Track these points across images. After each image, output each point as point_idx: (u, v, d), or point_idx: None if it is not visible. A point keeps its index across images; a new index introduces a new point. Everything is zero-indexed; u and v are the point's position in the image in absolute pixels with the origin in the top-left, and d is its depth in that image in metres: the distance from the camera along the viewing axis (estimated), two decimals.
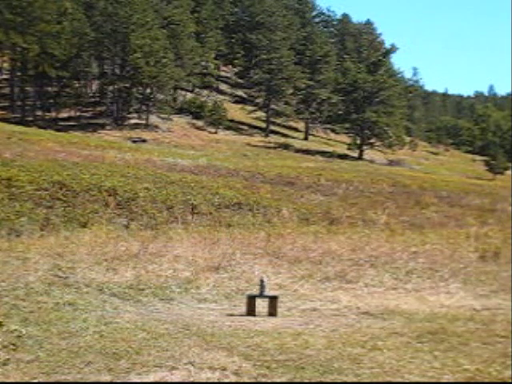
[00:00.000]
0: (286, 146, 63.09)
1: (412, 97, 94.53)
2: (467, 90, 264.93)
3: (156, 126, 61.20)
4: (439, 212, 29.07)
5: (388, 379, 5.97)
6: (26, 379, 5.68)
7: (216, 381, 5.81)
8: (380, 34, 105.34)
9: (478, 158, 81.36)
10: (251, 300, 9.04)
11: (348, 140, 68.62)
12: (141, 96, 64.31)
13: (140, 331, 7.59)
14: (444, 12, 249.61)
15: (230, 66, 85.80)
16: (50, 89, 60.66)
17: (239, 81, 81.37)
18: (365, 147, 66.54)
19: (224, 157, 44.19)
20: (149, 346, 6.87)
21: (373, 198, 31.18)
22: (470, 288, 11.10)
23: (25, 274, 10.85)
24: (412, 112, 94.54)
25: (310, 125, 73.64)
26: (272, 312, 8.95)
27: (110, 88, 63.34)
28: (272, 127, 70.48)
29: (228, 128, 66.36)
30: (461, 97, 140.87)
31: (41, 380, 5.71)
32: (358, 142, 66.91)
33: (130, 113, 63.18)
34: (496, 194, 36.33)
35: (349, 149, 65.89)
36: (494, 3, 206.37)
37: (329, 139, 74.36)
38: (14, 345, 6.26)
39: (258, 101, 74.52)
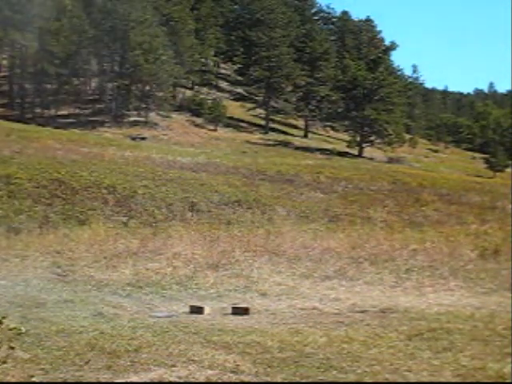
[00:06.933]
0: (285, 144, 63.04)
1: (412, 94, 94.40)
2: (467, 88, 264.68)
3: (155, 124, 61.12)
4: (439, 210, 29.08)
5: (387, 377, 5.96)
6: (25, 377, 5.66)
7: (215, 379, 5.80)
8: (380, 31, 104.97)
9: (477, 155, 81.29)
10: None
11: (348, 137, 68.52)
12: (140, 93, 64.22)
13: (139, 329, 7.57)
14: (444, 9, 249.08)
15: (230, 64, 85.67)
16: (49, 86, 60.52)
17: (239, 78, 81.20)
18: (364, 145, 66.47)
19: (223, 154, 44.14)
20: (148, 344, 6.86)
21: (372, 195, 31.17)
22: (470, 286, 11.08)
23: (24, 272, 10.84)
24: (412, 109, 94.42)
25: (310, 122, 73.55)
26: None
27: (110, 85, 63.24)
28: (271, 125, 70.40)
29: (227, 125, 66.28)
30: (461, 94, 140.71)
31: (40, 378, 5.69)
32: (358, 139, 66.84)
33: (129, 110, 63.08)
34: (496, 192, 36.31)
35: (348, 146, 65.82)
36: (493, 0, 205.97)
37: (328, 136, 74.30)
38: (12, 342, 6.23)
39: (257, 98, 74.42)
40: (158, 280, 10.84)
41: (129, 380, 5.70)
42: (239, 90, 79.35)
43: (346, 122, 70.45)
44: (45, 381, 5.66)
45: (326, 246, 13.54)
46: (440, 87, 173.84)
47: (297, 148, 61.75)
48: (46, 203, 20.67)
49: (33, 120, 54.39)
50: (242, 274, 11.42)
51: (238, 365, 6.13)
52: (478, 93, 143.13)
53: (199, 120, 65.58)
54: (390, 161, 61.65)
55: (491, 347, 7.00)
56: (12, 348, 5.97)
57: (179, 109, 66.84)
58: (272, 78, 71.51)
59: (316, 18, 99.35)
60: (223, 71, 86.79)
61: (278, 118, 73.61)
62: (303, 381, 5.80)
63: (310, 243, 13.89)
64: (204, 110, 65.71)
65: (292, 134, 70.05)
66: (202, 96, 71.27)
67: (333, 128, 75.19)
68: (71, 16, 60.20)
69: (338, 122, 72.45)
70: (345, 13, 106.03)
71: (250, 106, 72.14)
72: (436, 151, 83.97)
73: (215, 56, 79.59)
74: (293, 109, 73.75)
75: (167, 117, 63.48)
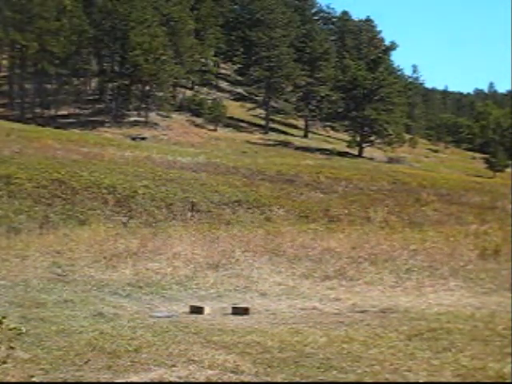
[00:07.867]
0: (285, 144, 63.05)
1: (412, 94, 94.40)
2: (467, 88, 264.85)
3: (155, 124, 61.14)
4: (439, 210, 29.07)
5: (387, 377, 5.95)
6: (25, 377, 5.66)
7: (215, 379, 5.79)
8: (380, 31, 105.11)
9: (477, 155, 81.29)
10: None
11: (348, 137, 68.53)
12: (140, 93, 64.23)
13: (139, 329, 7.57)
14: (444, 9, 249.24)
15: (230, 64, 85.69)
16: (49, 86, 60.55)
17: (239, 78, 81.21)
18: (364, 145, 66.48)
19: (223, 154, 44.16)
20: (148, 344, 6.85)
21: (372, 195, 31.18)
22: (470, 286, 11.08)
23: (24, 272, 10.84)
24: (412, 109, 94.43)
25: (310, 122, 73.56)
26: None
27: (110, 85, 63.25)
28: (271, 125, 70.41)
29: (227, 125, 66.31)
30: (461, 94, 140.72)
31: (40, 378, 5.69)
32: (358, 139, 66.85)
33: (129, 110, 63.11)
34: (496, 192, 36.31)
35: (348, 146, 65.83)
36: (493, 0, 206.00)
37: (328, 136, 74.29)
38: (12, 342, 6.24)
39: (257, 98, 74.46)
40: (157, 280, 10.84)
41: (129, 380, 5.70)
42: (239, 89, 79.33)
43: (346, 122, 70.44)
44: (45, 381, 5.66)
45: (326, 246, 13.53)
46: (440, 87, 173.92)
47: (297, 148, 61.74)
48: (46, 203, 20.69)
49: (33, 120, 54.37)
50: (242, 274, 11.42)
51: (238, 365, 6.12)
52: (478, 93, 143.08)
53: (199, 120, 65.57)
54: (390, 161, 61.63)
55: (491, 347, 6.99)
56: (12, 348, 5.97)
57: (179, 109, 66.83)
58: (272, 78, 71.50)
59: (316, 17, 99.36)
60: (223, 71, 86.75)
61: (278, 118, 73.60)
62: (303, 381, 5.80)
63: (309, 243, 13.88)
64: (204, 110, 65.71)
65: (292, 134, 70.02)
66: (201, 96, 71.27)
67: (333, 128, 75.16)
68: (71, 16, 60.20)
69: (338, 121, 72.43)
70: (345, 13, 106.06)
71: (250, 106, 72.12)
72: (436, 151, 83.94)
73: (215, 56, 79.57)
74: (293, 109, 73.74)
75: (167, 117, 63.47)
